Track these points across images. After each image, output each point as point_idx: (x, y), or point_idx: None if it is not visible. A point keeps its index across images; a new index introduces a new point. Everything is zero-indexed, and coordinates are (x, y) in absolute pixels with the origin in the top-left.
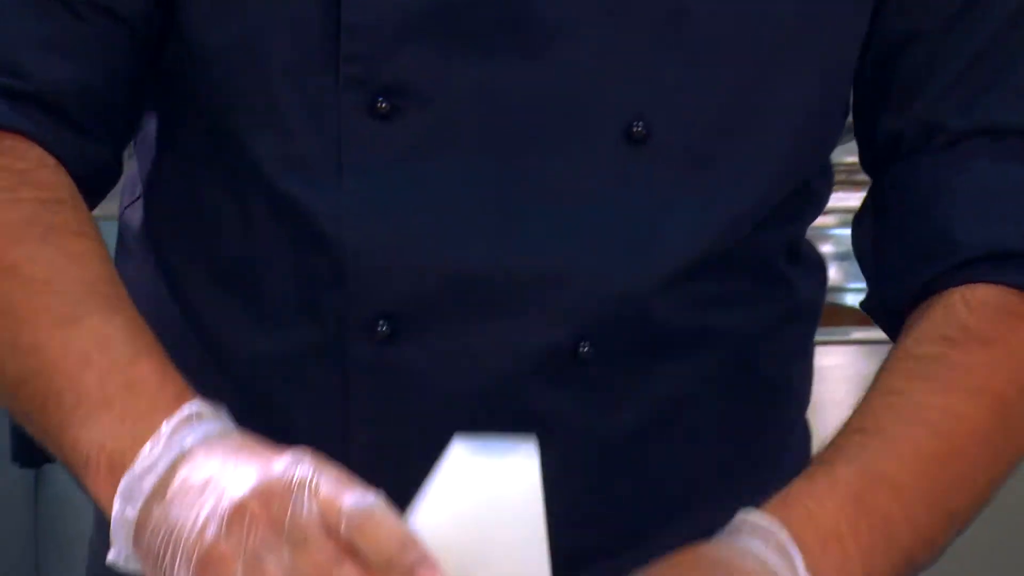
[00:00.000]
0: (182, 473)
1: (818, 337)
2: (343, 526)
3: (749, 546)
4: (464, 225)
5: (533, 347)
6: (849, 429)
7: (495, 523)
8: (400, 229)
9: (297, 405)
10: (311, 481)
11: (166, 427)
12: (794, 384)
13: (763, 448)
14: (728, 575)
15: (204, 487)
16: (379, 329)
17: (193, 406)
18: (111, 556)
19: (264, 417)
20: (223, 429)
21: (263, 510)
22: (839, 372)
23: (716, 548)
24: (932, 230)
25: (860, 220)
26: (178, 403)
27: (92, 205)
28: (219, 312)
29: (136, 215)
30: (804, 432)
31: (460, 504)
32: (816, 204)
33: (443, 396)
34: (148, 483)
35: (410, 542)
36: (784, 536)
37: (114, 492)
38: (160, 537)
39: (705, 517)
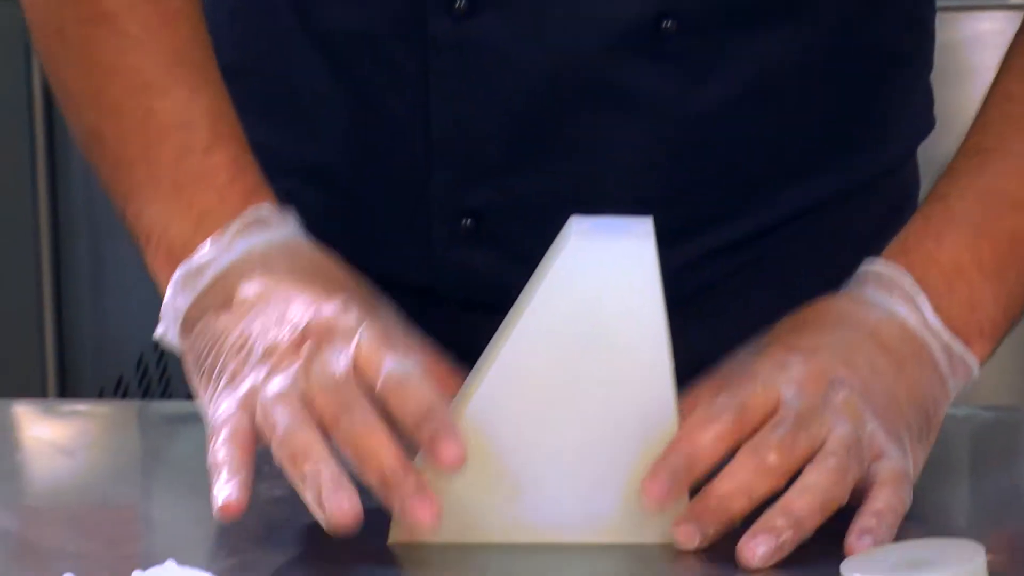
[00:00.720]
0: (239, 283)
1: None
2: (378, 387)
3: (874, 297)
4: None
5: (615, 19)
6: (967, 150)
7: (612, 305)
8: None
9: (381, 85)
10: (356, 336)
11: (231, 228)
12: (906, 48)
13: (869, 119)
14: (855, 328)
15: (255, 308)
16: (456, 6)
17: (261, 209)
18: (158, 331)
19: (352, 93)
20: (288, 236)
21: (301, 354)
22: (999, 38)
23: (840, 301)
24: None
25: None
26: (247, 202)
27: None
28: None
29: None
30: (925, 99)
31: (576, 287)
32: None
33: (523, 71)
34: (203, 281)
35: (436, 410)
36: (908, 283)
37: (169, 275)
38: (206, 340)
39: (799, 195)
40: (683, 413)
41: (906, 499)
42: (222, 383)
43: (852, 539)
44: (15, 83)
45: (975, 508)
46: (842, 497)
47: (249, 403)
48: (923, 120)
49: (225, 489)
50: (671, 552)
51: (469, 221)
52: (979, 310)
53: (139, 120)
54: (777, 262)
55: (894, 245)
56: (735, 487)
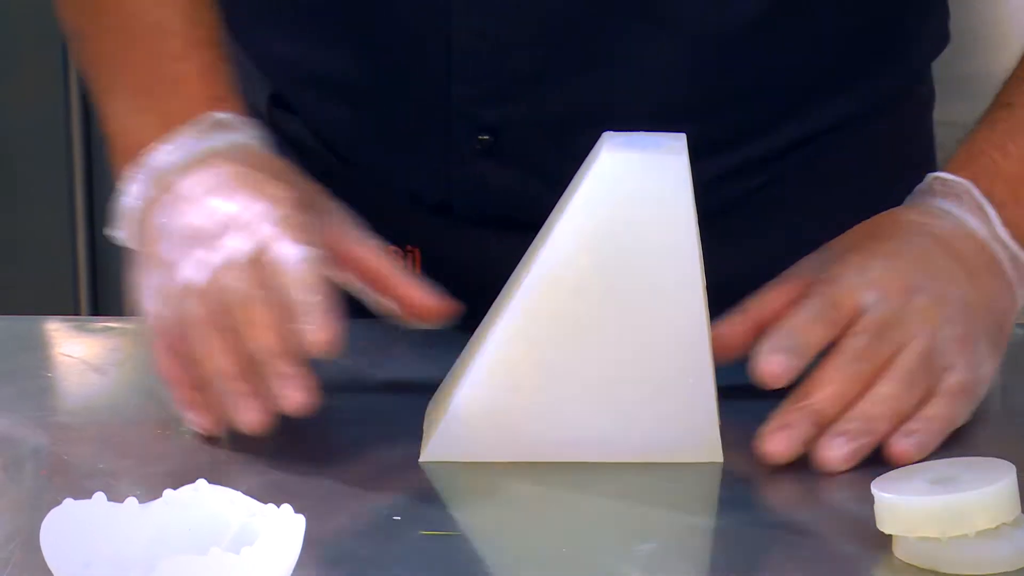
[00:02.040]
0: (184, 180)
1: None
2: (267, 259)
3: (943, 207)
4: None
5: None
6: None
7: (644, 219)
8: None
9: None
10: (270, 228)
11: (189, 130)
12: None
13: (892, 34)
14: (929, 236)
15: (193, 203)
16: None
17: (223, 114)
18: (116, 233)
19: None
20: (245, 140)
21: (219, 245)
22: None
23: (911, 212)
24: None
25: None
26: (211, 108)
27: None
28: None
29: None
30: (941, 12)
31: (609, 201)
32: None
33: None
34: (152, 179)
35: (313, 291)
36: (977, 193)
37: (128, 175)
38: (147, 233)
39: (822, 112)
40: (764, 311)
41: (962, 411)
42: (152, 274)
43: (896, 438)
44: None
45: (1006, 427)
46: (911, 406)
47: (173, 295)
48: (939, 35)
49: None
50: (700, 470)
51: (488, 137)
52: None
53: (116, 23)
54: (802, 179)
55: (961, 154)
56: (829, 394)
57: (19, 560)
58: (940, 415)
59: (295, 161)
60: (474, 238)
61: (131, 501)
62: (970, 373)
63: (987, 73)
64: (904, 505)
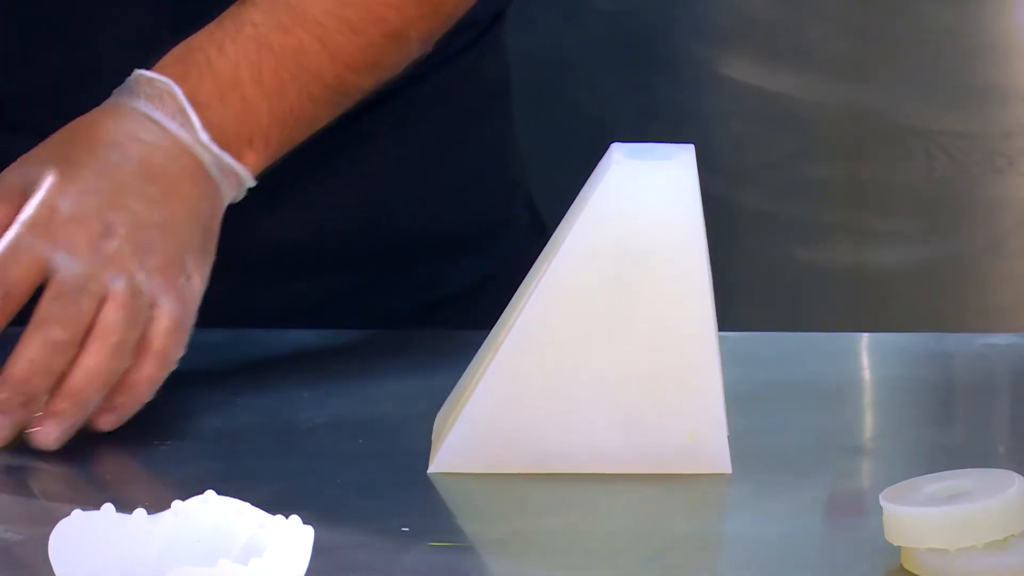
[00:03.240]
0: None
1: None
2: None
3: (146, 110)
4: None
5: None
6: None
7: (653, 229)
8: None
9: None
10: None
11: None
12: None
13: None
14: (125, 154)
15: None
16: None
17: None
18: None
19: None
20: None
21: None
22: None
23: (113, 116)
24: None
25: None
26: None
27: None
28: None
29: None
30: None
31: (619, 212)
32: None
33: None
34: None
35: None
36: (180, 95)
37: None
38: None
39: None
40: None
41: (174, 352)
42: None
43: (99, 413)
44: None
45: (1013, 437)
46: (119, 372)
47: None
48: None
49: None
50: (709, 481)
51: None
52: (250, 123)
53: None
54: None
55: (177, 50)
56: (30, 369)
57: (28, 572)
58: (145, 378)
59: None
60: None
61: (140, 512)
62: (178, 303)
63: (988, 84)
64: (912, 517)
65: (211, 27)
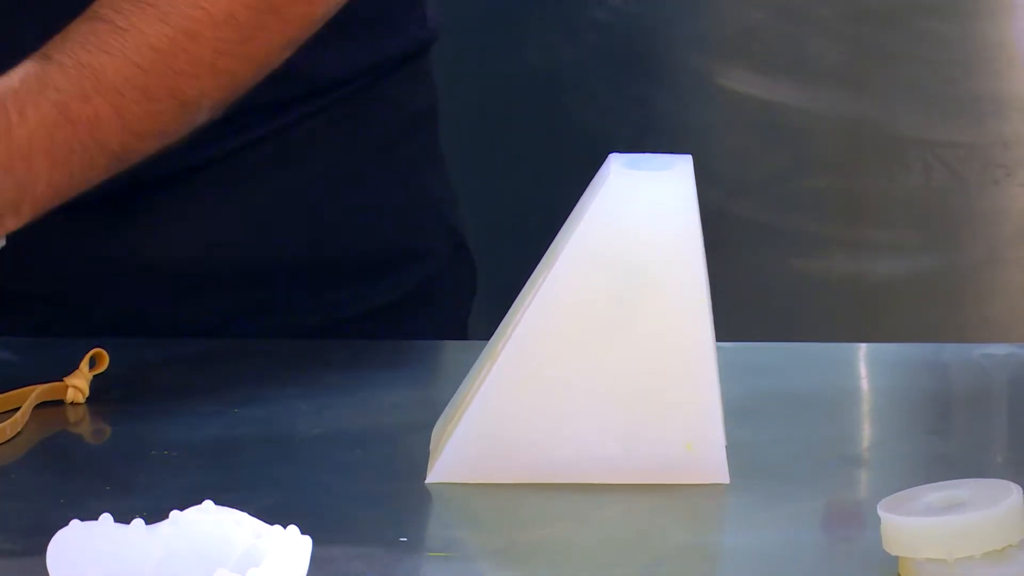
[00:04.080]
0: None
1: None
2: None
3: None
4: None
5: None
6: (89, 12)
7: (651, 240)
8: None
9: None
10: None
11: None
12: None
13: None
14: None
15: None
16: None
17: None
18: None
19: None
20: None
21: None
22: None
23: None
24: None
25: None
26: None
27: None
28: None
29: None
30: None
31: (617, 222)
32: None
33: None
34: None
35: None
36: None
37: None
38: None
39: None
40: None
41: None
42: None
43: None
44: None
45: (1011, 447)
46: None
47: None
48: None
49: None
50: (706, 492)
51: None
52: (26, 192)
53: None
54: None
55: None
56: None
57: None
58: None
59: None
60: None
61: (138, 522)
62: None
63: (985, 95)
64: (910, 526)
65: (14, 83)
